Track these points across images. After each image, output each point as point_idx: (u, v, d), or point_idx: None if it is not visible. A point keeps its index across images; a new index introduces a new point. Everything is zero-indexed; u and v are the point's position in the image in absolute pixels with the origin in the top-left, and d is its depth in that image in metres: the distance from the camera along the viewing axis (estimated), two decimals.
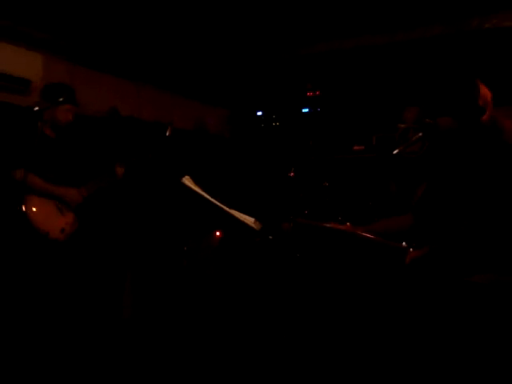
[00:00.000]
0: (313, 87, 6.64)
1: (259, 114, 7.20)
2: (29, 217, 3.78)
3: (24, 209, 3.76)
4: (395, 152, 2.95)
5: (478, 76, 3.22)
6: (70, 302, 4.09)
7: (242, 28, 5.18)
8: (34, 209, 3.82)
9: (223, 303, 4.81)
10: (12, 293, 3.75)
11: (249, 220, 2.91)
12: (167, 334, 4.65)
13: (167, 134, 4.51)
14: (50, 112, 3.93)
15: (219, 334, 4.48)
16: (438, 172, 3.07)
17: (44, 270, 3.83)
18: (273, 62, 6.08)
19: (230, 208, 2.96)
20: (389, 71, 5.94)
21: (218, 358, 4.08)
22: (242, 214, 2.93)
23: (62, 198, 3.98)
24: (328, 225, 3.13)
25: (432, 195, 3.06)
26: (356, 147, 6.29)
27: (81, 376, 3.82)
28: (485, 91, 2.47)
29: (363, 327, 3.08)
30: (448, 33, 5.04)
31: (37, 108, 3.64)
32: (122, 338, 4.65)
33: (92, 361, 4.06)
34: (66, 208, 4.02)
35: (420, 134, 2.91)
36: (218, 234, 5.60)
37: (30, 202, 3.81)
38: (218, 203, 2.92)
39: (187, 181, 2.87)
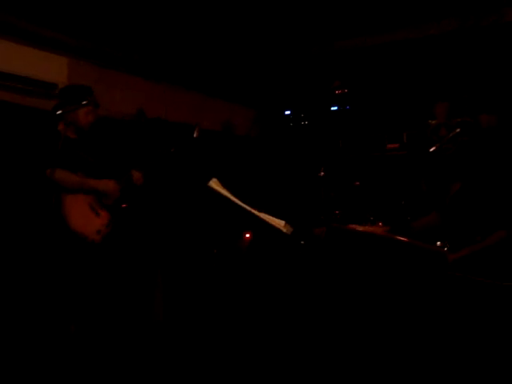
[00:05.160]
0: (341, 85, 6.54)
1: (287, 113, 7.12)
2: (67, 220, 3.76)
3: (62, 211, 3.74)
4: (432, 150, 2.85)
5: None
6: (101, 301, 4.07)
7: (268, 26, 5.13)
8: (71, 211, 3.79)
9: (252, 305, 4.75)
10: (48, 292, 3.80)
11: (279, 223, 2.80)
12: (197, 335, 4.62)
13: (195, 135, 4.47)
14: (72, 115, 3.89)
15: (249, 335, 4.42)
16: (475, 170, 2.98)
17: (80, 271, 3.82)
18: (300, 60, 6.01)
19: (259, 210, 2.86)
20: (418, 67, 5.81)
21: (248, 358, 4.03)
22: (271, 217, 2.83)
23: (99, 193, 3.93)
24: (362, 228, 3.04)
25: (468, 194, 2.98)
26: (390, 145, 6.14)
27: (113, 372, 3.82)
28: None
29: (403, 333, 2.97)
30: (481, 25, 4.89)
31: (60, 111, 3.61)
32: (153, 338, 4.63)
33: (125, 357, 4.06)
34: (99, 208, 3.97)
35: (458, 130, 2.82)
36: (247, 236, 5.53)
37: (66, 204, 3.78)
38: (247, 207, 2.82)
39: (214, 184, 2.78)
